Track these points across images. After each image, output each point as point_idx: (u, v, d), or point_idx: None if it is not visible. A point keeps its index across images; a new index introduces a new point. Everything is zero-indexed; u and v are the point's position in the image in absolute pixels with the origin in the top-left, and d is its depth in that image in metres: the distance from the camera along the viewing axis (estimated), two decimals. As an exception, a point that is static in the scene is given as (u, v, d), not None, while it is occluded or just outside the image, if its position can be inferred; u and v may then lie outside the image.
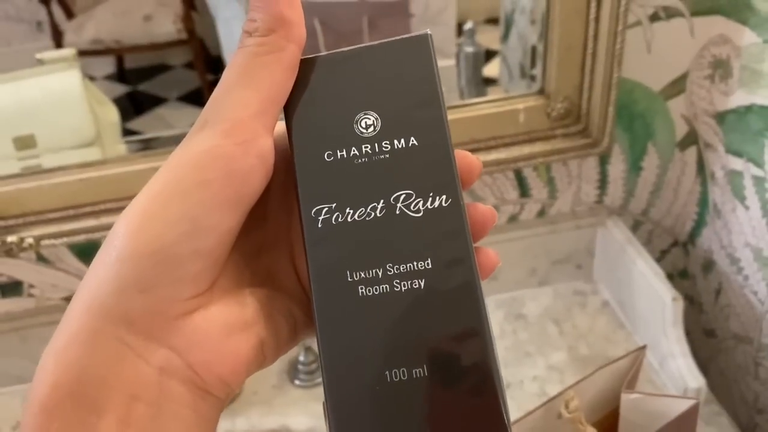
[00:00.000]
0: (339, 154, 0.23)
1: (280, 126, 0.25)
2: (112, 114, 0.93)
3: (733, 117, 0.69)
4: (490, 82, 0.96)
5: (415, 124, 0.23)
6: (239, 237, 0.24)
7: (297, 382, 0.75)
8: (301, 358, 0.74)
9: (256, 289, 0.25)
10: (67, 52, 0.93)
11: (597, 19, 0.64)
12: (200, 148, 0.22)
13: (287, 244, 0.25)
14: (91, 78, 1.11)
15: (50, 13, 1.13)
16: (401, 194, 0.23)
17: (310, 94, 0.24)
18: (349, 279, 0.22)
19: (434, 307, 0.22)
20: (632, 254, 0.74)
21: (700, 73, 0.72)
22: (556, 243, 0.81)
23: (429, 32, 0.25)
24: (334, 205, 0.23)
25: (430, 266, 0.22)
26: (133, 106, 1.20)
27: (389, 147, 0.23)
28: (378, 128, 0.24)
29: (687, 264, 0.84)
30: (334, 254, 0.23)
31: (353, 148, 0.23)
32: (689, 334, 0.83)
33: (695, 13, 0.69)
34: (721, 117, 0.71)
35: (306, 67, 0.24)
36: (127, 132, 0.95)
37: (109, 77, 1.24)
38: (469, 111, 0.70)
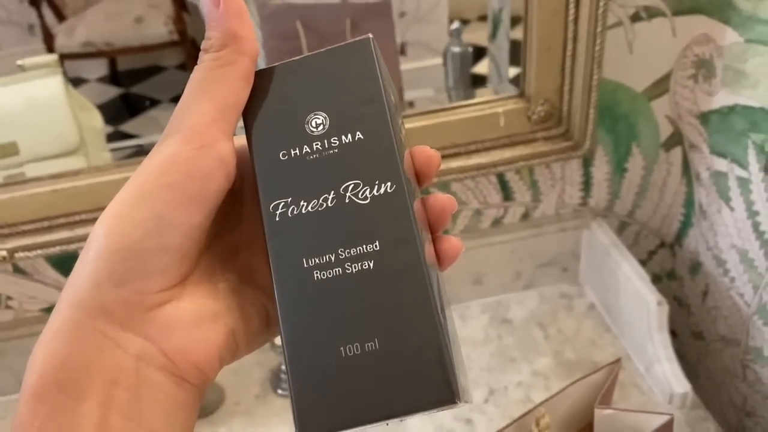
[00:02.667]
0: (293, 152, 0.26)
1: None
2: (96, 120, 0.92)
3: (717, 117, 0.68)
4: (482, 80, 0.95)
5: (361, 120, 0.25)
6: (215, 238, 0.27)
7: (280, 391, 0.74)
8: (284, 367, 0.74)
9: (230, 285, 0.27)
10: (49, 58, 0.92)
11: (576, 21, 0.63)
12: (164, 155, 0.24)
13: (262, 244, 0.26)
14: (84, 80, 1.10)
15: (41, 17, 1.12)
16: (350, 184, 0.25)
17: (265, 101, 0.26)
18: (305, 265, 0.24)
19: (383, 285, 0.24)
20: (617, 257, 0.73)
21: (684, 73, 0.71)
22: (541, 246, 0.80)
23: (371, 36, 0.26)
24: (289, 200, 0.25)
25: (378, 248, 0.24)
26: (126, 107, 1.19)
27: (338, 142, 0.25)
28: (327, 126, 0.26)
29: (674, 265, 0.83)
30: (291, 244, 0.25)
31: (305, 146, 0.25)
32: (678, 336, 0.82)
33: (677, 12, 0.68)
34: (705, 117, 0.70)
35: (261, 77, 0.26)
36: (121, 134, 0.95)
37: (101, 79, 1.24)
38: (449, 115, 0.69)
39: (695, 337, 0.81)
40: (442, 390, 0.22)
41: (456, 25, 0.94)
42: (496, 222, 0.79)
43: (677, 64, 0.71)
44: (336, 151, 0.25)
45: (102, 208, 0.25)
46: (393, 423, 0.23)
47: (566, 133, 0.70)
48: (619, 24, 0.67)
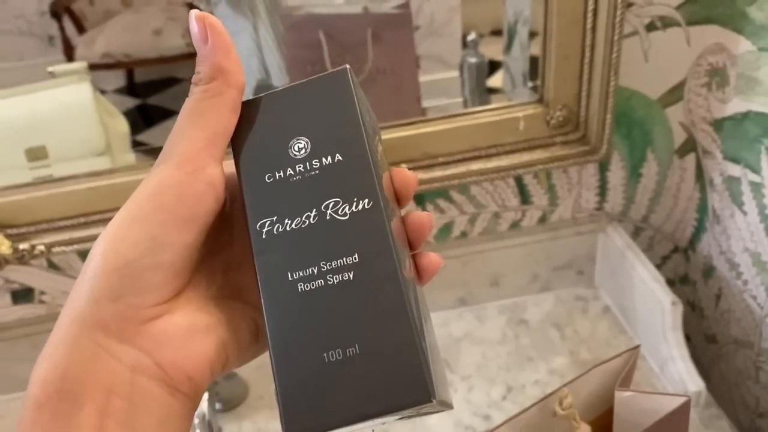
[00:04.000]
0: (277, 175, 0.27)
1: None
2: (122, 125, 0.95)
3: (730, 124, 0.70)
4: (494, 92, 0.97)
5: (339, 143, 0.27)
6: (207, 257, 0.28)
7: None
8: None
9: (221, 301, 0.28)
10: (79, 65, 0.94)
11: (593, 29, 0.65)
12: (157, 179, 0.26)
13: (251, 264, 0.28)
14: (102, 91, 1.13)
15: (62, 28, 1.15)
16: (330, 202, 0.27)
17: (251, 128, 0.28)
18: (290, 278, 0.26)
19: (363, 294, 0.25)
20: (632, 260, 0.75)
21: (697, 81, 0.73)
22: (557, 249, 0.82)
23: (348, 66, 0.29)
24: (275, 218, 0.27)
25: (357, 260, 0.26)
26: (143, 118, 1.22)
27: (318, 164, 0.27)
28: (309, 150, 0.28)
29: (688, 270, 0.85)
30: (277, 259, 0.26)
31: (289, 168, 0.27)
32: (690, 339, 0.84)
33: (691, 22, 0.70)
34: (718, 124, 0.72)
35: (248, 106, 0.29)
36: (137, 144, 0.97)
37: (119, 90, 1.26)
38: (470, 119, 0.71)
39: (708, 341, 0.83)
40: (418, 389, 0.24)
41: (473, 36, 0.97)
42: (514, 225, 0.81)
43: (691, 73, 0.73)
44: (317, 172, 0.27)
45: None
46: (377, 426, 0.25)
47: (583, 137, 0.72)
48: (635, 33, 0.70)
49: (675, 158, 0.79)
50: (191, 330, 0.26)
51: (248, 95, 0.30)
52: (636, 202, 0.82)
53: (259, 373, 0.77)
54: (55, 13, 1.19)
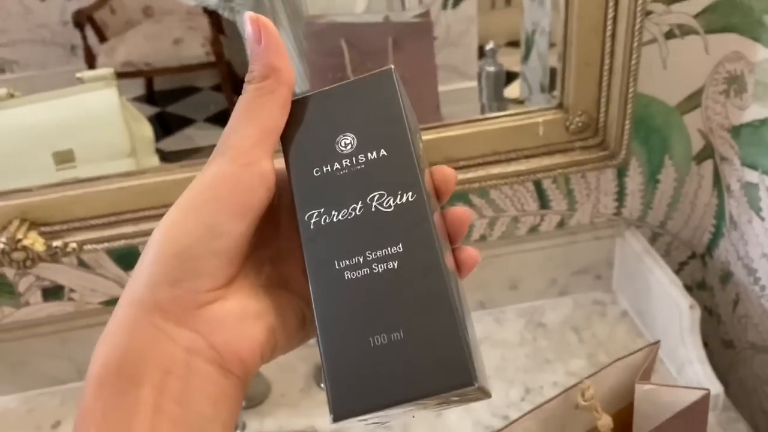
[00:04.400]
0: (325, 169, 0.29)
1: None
2: (147, 130, 0.97)
3: (748, 130, 0.71)
4: (511, 102, 0.98)
5: (384, 139, 0.29)
6: (257, 248, 0.30)
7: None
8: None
9: (270, 289, 0.30)
10: (106, 71, 0.96)
11: (613, 36, 0.67)
12: (212, 172, 0.28)
13: (297, 255, 0.30)
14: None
15: (84, 37, 1.18)
16: (375, 194, 0.28)
17: (300, 125, 0.30)
18: (337, 267, 0.27)
19: (407, 282, 0.27)
20: (650, 264, 0.76)
21: (715, 89, 0.74)
22: (575, 254, 0.83)
23: (392, 66, 0.30)
24: (322, 210, 0.28)
25: (401, 249, 0.27)
26: (161, 126, 1.24)
27: (364, 159, 0.29)
28: (355, 145, 0.29)
29: (705, 275, 0.85)
30: (324, 248, 0.28)
31: (336, 162, 0.29)
32: (708, 345, 0.84)
33: (709, 30, 0.71)
34: (736, 131, 0.73)
35: (298, 104, 0.30)
36: (158, 150, 0.99)
37: (138, 98, 1.28)
38: (490, 124, 0.73)
39: (725, 346, 0.83)
40: (460, 373, 0.25)
41: (491, 45, 0.98)
42: (533, 229, 0.82)
43: (709, 80, 0.74)
44: (363, 166, 0.28)
45: (165, 205, 0.28)
46: (421, 413, 0.26)
47: (602, 143, 0.73)
48: (653, 41, 0.71)
49: (693, 164, 0.80)
50: (243, 315, 0.28)
51: None
52: (654, 207, 0.83)
53: (281, 373, 0.79)
54: (78, 23, 1.22)
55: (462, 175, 0.73)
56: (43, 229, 0.70)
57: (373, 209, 0.28)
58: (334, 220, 0.28)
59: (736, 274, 0.78)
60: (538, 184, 0.79)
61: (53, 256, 0.70)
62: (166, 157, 0.96)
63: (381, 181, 0.28)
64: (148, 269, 0.27)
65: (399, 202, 0.28)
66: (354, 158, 0.29)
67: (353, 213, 0.28)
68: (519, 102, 0.97)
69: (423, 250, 0.27)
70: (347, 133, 0.29)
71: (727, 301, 0.81)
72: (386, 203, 0.28)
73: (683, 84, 0.75)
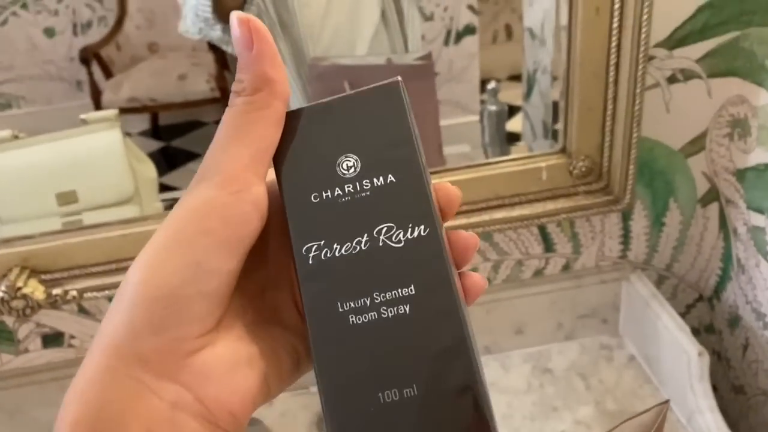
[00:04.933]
0: (324, 195, 0.26)
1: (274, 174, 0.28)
2: (150, 170, 0.97)
3: (753, 174, 0.70)
4: (513, 137, 0.99)
5: (392, 163, 0.25)
6: (242, 278, 0.26)
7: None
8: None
9: (260, 327, 0.27)
10: (110, 112, 0.97)
11: (616, 82, 0.67)
12: (199, 200, 0.24)
13: (288, 283, 0.27)
14: (127, 134, 1.16)
15: (90, 73, 1.18)
16: (383, 227, 0.25)
17: (295, 143, 0.26)
18: (340, 310, 0.24)
19: (420, 330, 0.24)
20: (657, 309, 0.75)
21: (719, 132, 0.74)
22: (581, 297, 0.82)
23: (399, 79, 0.27)
24: (322, 242, 0.25)
25: (413, 292, 0.24)
26: (166, 161, 1.24)
27: (369, 185, 0.25)
28: (358, 169, 0.26)
29: (713, 319, 0.84)
30: (325, 288, 0.25)
31: (337, 188, 0.26)
32: (717, 390, 0.83)
33: (711, 74, 0.71)
34: (741, 174, 0.72)
35: (291, 119, 0.26)
36: (162, 188, 0.99)
37: (143, 133, 1.29)
38: (494, 169, 0.72)
39: (736, 392, 0.82)
40: None
41: (493, 84, 0.99)
42: (538, 273, 0.81)
43: (713, 124, 0.74)
44: (368, 193, 0.25)
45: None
46: None
47: (606, 187, 0.73)
48: (656, 85, 0.71)
49: (698, 207, 0.79)
50: (234, 363, 0.25)
51: None
52: (659, 250, 0.82)
53: (282, 420, 0.77)
54: (84, 59, 1.23)
55: (465, 220, 0.73)
56: (43, 276, 0.70)
57: (380, 243, 0.25)
58: (337, 254, 0.25)
59: (744, 318, 0.77)
60: (542, 228, 0.78)
61: (53, 303, 0.69)
62: (168, 190, 0.96)
63: (389, 212, 0.25)
64: (126, 314, 0.23)
65: (410, 237, 0.25)
66: (358, 183, 0.25)
67: (358, 247, 0.25)
68: (522, 141, 0.97)
69: (438, 292, 0.24)
70: (350, 155, 0.26)
71: (736, 346, 0.80)
72: (395, 237, 0.25)
73: (687, 128, 0.75)
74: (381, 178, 0.25)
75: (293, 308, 0.26)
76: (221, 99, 1.46)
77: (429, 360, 0.23)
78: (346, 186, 0.25)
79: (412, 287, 0.24)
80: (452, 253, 0.26)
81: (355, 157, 0.26)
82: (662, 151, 0.75)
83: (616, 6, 0.64)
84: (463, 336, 0.23)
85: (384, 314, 0.24)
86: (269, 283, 0.28)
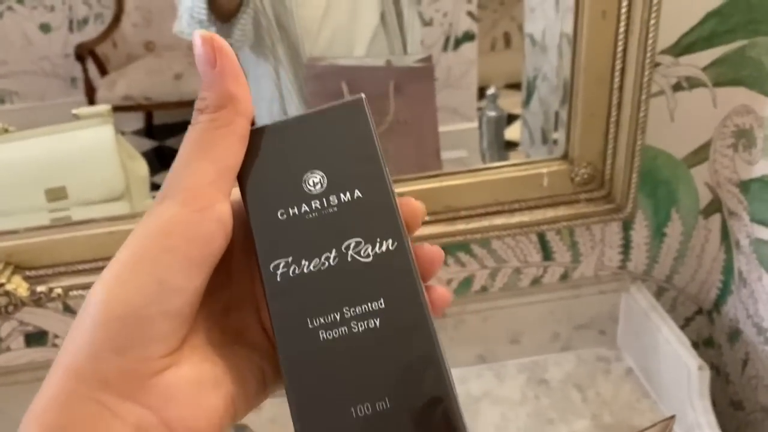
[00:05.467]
0: (291, 211, 0.26)
1: (238, 191, 0.27)
2: (142, 168, 0.95)
3: (758, 186, 0.69)
4: (511, 145, 0.98)
5: (358, 178, 0.26)
6: (207, 297, 0.26)
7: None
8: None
9: (225, 346, 0.26)
10: (102, 108, 0.95)
11: (621, 88, 0.65)
12: (163, 218, 0.24)
13: (252, 301, 0.27)
14: (121, 132, 1.14)
15: (85, 70, 1.17)
16: (351, 242, 0.25)
17: (260, 160, 0.26)
18: (310, 326, 0.24)
19: (391, 343, 0.24)
20: (656, 321, 0.74)
21: (724, 142, 0.72)
22: (579, 307, 0.81)
23: (363, 96, 0.27)
24: (290, 259, 0.25)
25: (383, 306, 0.24)
26: (159, 160, 1.22)
27: (336, 201, 0.26)
28: (325, 185, 0.26)
29: (712, 332, 0.83)
30: (294, 305, 0.25)
31: (303, 204, 0.26)
32: (716, 405, 0.81)
33: (717, 83, 0.70)
34: (745, 185, 0.71)
35: (256, 136, 0.26)
36: (154, 186, 0.98)
37: (137, 132, 1.28)
38: (494, 174, 0.71)
39: (734, 407, 0.80)
40: None
41: (492, 90, 0.98)
42: (536, 281, 0.80)
43: (717, 133, 0.73)
44: (335, 209, 0.25)
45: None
46: None
47: (608, 195, 0.71)
48: (661, 93, 0.70)
49: (700, 218, 0.78)
50: (199, 383, 0.24)
51: None
52: (660, 261, 0.81)
53: (272, 426, 0.75)
54: (80, 56, 1.22)
55: (463, 226, 0.71)
56: (27, 273, 0.68)
57: (349, 259, 0.25)
58: (305, 271, 0.25)
59: (745, 332, 0.76)
60: (541, 236, 0.76)
61: (37, 301, 0.67)
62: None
63: (357, 227, 0.25)
64: (89, 334, 0.23)
65: (378, 252, 0.25)
66: (325, 200, 0.26)
67: (327, 263, 0.25)
68: (516, 145, 0.96)
69: (407, 306, 0.24)
70: (316, 171, 0.26)
71: (735, 360, 0.78)
72: (364, 252, 0.25)
73: (691, 137, 0.73)
74: (347, 194, 0.26)
75: (259, 328, 0.26)
76: (217, 99, 1.46)
77: (400, 372, 0.24)
78: (312, 202, 0.26)
79: (382, 301, 0.24)
80: (419, 266, 0.26)
81: (321, 173, 0.26)
82: (665, 160, 0.74)
83: (623, 10, 0.62)
84: (433, 348, 0.24)
85: (354, 329, 0.24)
86: (234, 302, 0.28)
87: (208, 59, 0.25)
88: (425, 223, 0.71)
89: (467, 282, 0.79)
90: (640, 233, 0.78)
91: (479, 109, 0.97)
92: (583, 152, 0.69)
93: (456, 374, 0.80)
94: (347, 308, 0.24)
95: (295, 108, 1.01)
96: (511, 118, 0.98)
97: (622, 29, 0.63)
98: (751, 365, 0.75)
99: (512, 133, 0.97)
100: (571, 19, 0.66)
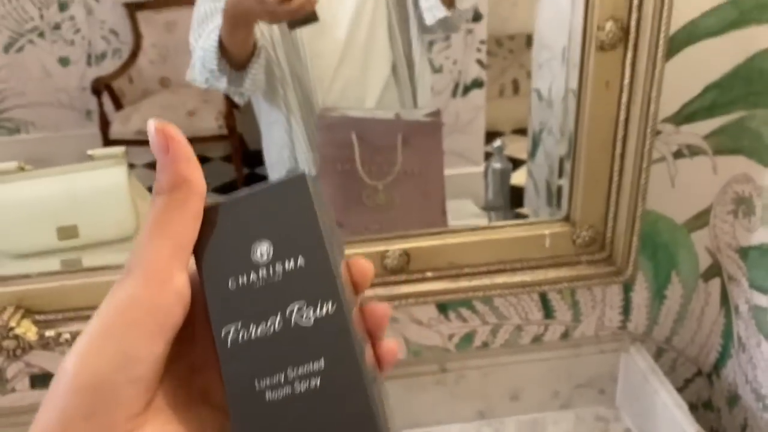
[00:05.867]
0: (240, 280, 0.28)
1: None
2: (153, 210, 0.96)
3: (757, 253, 0.70)
4: (516, 191, 0.99)
5: (301, 247, 0.28)
6: (171, 362, 0.28)
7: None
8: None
9: (189, 408, 0.28)
10: (117, 150, 0.97)
11: (623, 156, 0.67)
12: (126, 294, 0.27)
13: (216, 364, 0.28)
14: (132, 165, 1.16)
15: (101, 104, 1.19)
16: (294, 307, 0.27)
17: (213, 234, 0.29)
18: (257, 388, 0.26)
19: (330, 402, 0.26)
20: (655, 384, 0.74)
21: (724, 208, 0.74)
22: (579, 366, 0.81)
23: (305, 171, 0.30)
24: (239, 325, 0.27)
25: (323, 366, 0.26)
26: None
27: (281, 269, 0.28)
28: (271, 255, 0.28)
29: (712, 395, 0.83)
30: (243, 368, 0.27)
31: (252, 273, 0.28)
32: (714, 469, 0.81)
33: (717, 152, 0.72)
34: (744, 252, 0.72)
35: (210, 212, 0.29)
36: None
37: (148, 165, 1.29)
38: (497, 233, 0.72)
39: (733, 472, 0.80)
40: None
41: (498, 142, 0.99)
42: (536, 339, 0.81)
43: (717, 200, 0.74)
44: (280, 277, 0.28)
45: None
46: None
47: (609, 258, 0.72)
48: (662, 159, 0.71)
49: (700, 282, 0.79)
50: None
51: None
52: (660, 323, 0.81)
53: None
54: (96, 90, 1.24)
55: (466, 283, 0.72)
56: (37, 317, 0.69)
57: (292, 323, 0.27)
58: (253, 336, 0.27)
59: (744, 398, 0.76)
60: (543, 294, 0.77)
61: (45, 345, 0.68)
62: None
63: (300, 293, 0.27)
64: (60, 402, 0.25)
65: (319, 315, 0.27)
66: (271, 268, 0.28)
67: (272, 328, 0.27)
68: (522, 192, 0.97)
69: (345, 366, 0.26)
70: (263, 242, 0.28)
71: (734, 426, 0.78)
72: (306, 316, 0.27)
73: (691, 202, 0.75)
74: (291, 262, 0.28)
75: (221, 388, 0.28)
76: (229, 136, 1.47)
77: (339, 429, 0.25)
78: (260, 271, 0.28)
79: (322, 361, 0.26)
80: (367, 324, 0.29)
81: (268, 243, 0.28)
82: (666, 224, 0.75)
83: (626, 81, 0.64)
84: (369, 408, 0.25)
85: (297, 389, 0.26)
86: (198, 364, 0.30)
87: (162, 146, 0.28)
88: (429, 279, 0.72)
89: (469, 338, 0.80)
90: (641, 294, 0.79)
91: (487, 156, 0.99)
92: (585, 215, 0.71)
93: (456, 430, 0.80)
94: (291, 369, 0.26)
95: (305, 155, 1.03)
96: (518, 163, 0.99)
97: (624, 99, 0.65)
98: (749, 431, 0.75)
99: (518, 178, 0.98)
100: (576, 76, 0.68)
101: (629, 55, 0.63)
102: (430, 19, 0.96)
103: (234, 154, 1.39)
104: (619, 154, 0.67)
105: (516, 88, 1.08)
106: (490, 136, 1.02)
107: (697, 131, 0.71)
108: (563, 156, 0.79)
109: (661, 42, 0.62)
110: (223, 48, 0.87)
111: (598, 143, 0.67)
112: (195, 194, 0.28)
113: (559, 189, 0.82)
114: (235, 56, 0.89)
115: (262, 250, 0.28)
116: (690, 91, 0.69)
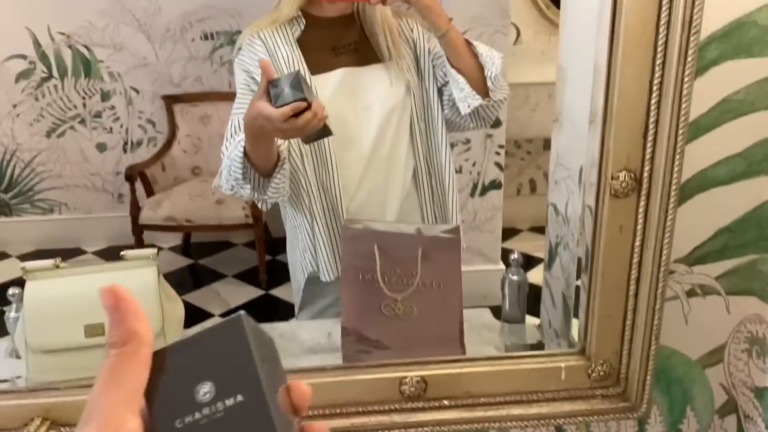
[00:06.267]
0: (186, 419, 0.30)
1: None
2: (179, 310, 0.99)
3: (771, 395, 0.71)
4: (532, 289, 1.00)
5: (239, 386, 0.31)
6: None
7: None
8: None
9: None
10: (149, 251, 1.01)
11: (636, 295, 0.69)
12: None
13: None
14: (158, 248, 1.19)
15: (133, 190, 1.24)
16: None
17: (161, 377, 0.31)
18: None
19: None
20: None
21: (738, 347, 0.75)
22: (593, 498, 0.81)
23: (242, 314, 0.33)
24: None
25: None
26: (193, 279, 1.24)
27: (223, 406, 0.30)
28: (213, 393, 0.31)
29: None
30: None
31: (196, 412, 0.30)
32: None
33: (730, 292, 0.73)
34: (759, 392, 0.73)
35: (158, 357, 0.32)
36: (188, 322, 1.01)
37: (174, 248, 1.30)
38: (513, 364, 0.74)
39: None
40: None
41: (515, 255, 1.02)
42: (551, 469, 0.80)
43: (731, 338, 0.75)
44: (222, 414, 0.30)
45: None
46: None
47: (624, 393, 0.73)
48: (676, 297, 0.73)
49: (716, 418, 0.79)
50: None
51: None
52: (676, 457, 0.81)
53: None
54: (129, 177, 1.30)
55: (482, 413, 0.73)
56: (62, 429, 0.71)
57: None
58: None
59: None
60: (558, 427, 0.78)
61: (70, 459, 0.70)
62: (192, 309, 0.98)
63: (239, 427, 0.30)
64: None
65: None
66: (214, 406, 0.30)
67: None
68: (538, 299, 0.98)
69: None
70: (206, 383, 0.31)
71: None
72: None
73: (705, 339, 0.76)
74: (232, 399, 0.30)
75: None
76: (254, 225, 1.51)
77: None
78: (203, 409, 0.30)
79: None
80: (292, 401, 0.33)
81: (210, 383, 0.31)
82: (680, 360, 0.76)
83: (639, 226, 0.67)
84: None
85: None
86: None
87: (112, 305, 0.31)
88: (446, 407, 0.73)
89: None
90: (656, 428, 0.79)
91: (506, 262, 1.00)
92: (600, 350, 0.72)
93: None
94: None
95: (324, 262, 1.06)
96: (534, 261, 1.00)
97: (638, 243, 0.67)
98: None
99: (535, 276, 1.00)
100: (593, 194, 0.69)
101: (642, 202, 0.66)
102: (464, 109, 0.99)
103: (258, 242, 1.43)
104: (632, 294, 0.69)
105: (533, 187, 1.11)
106: (507, 233, 1.05)
107: (709, 272, 0.73)
108: (576, 280, 0.81)
109: (673, 192, 0.65)
110: (248, 158, 0.91)
111: (613, 283, 0.69)
112: (144, 345, 0.31)
113: (576, 304, 0.83)
114: (259, 167, 0.94)
115: (205, 390, 0.31)
116: (702, 235, 0.71)
